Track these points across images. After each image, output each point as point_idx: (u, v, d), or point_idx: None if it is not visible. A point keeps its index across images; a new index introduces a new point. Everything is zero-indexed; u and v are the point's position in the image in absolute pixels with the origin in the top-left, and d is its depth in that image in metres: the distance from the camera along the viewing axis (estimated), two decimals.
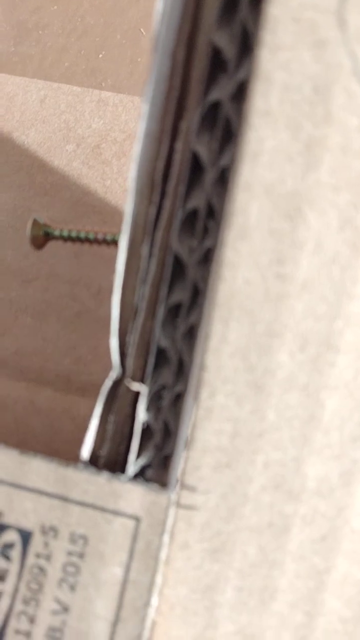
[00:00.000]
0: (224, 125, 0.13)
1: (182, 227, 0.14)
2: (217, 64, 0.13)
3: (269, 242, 0.13)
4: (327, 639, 0.15)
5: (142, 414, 0.15)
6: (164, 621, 0.15)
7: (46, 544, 0.14)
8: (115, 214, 0.27)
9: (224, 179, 0.13)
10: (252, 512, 0.14)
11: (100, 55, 0.32)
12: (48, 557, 0.14)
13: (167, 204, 0.14)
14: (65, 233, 0.20)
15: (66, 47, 0.33)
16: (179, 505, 0.14)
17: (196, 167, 0.13)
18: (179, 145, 0.13)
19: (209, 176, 0.13)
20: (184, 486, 0.14)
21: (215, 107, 0.13)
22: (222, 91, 0.13)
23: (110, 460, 0.16)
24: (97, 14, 0.34)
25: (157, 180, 0.14)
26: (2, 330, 0.25)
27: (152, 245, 0.14)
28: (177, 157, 0.13)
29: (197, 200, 0.13)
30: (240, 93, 0.13)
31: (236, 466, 0.14)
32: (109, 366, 0.15)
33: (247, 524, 0.14)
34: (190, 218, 0.14)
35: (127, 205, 0.14)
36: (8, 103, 0.31)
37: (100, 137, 0.29)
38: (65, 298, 0.26)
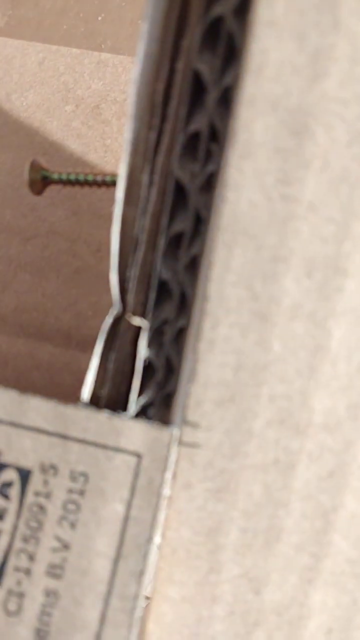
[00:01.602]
0: (227, 42, 0.13)
1: (184, 152, 0.13)
2: None
3: (275, 160, 0.12)
4: (333, 581, 0.15)
5: (143, 350, 0.15)
6: (167, 566, 0.14)
7: (46, 482, 0.14)
8: (115, 173, 0.27)
9: (227, 99, 0.13)
10: (257, 449, 0.14)
11: (100, 18, 0.32)
12: (48, 495, 0.14)
13: (168, 127, 0.13)
14: (64, 176, 0.19)
15: (65, 9, 0.32)
16: (181, 443, 0.14)
17: (198, 88, 0.13)
18: (179, 65, 0.13)
19: (212, 96, 0.13)
20: (186, 423, 0.14)
21: (217, 23, 0.13)
22: (224, 5, 0.12)
23: (111, 401, 0.15)
24: None
25: (157, 104, 0.13)
26: (2, 287, 0.25)
27: (152, 173, 0.14)
28: (178, 78, 0.13)
29: (199, 123, 0.13)
30: (244, 7, 0.12)
31: (240, 401, 0.14)
32: None
33: (252, 462, 0.14)
34: (193, 142, 0.13)
35: (126, 132, 0.13)
36: (6, 66, 0.31)
37: (100, 97, 0.29)
38: (64, 255, 0.25)
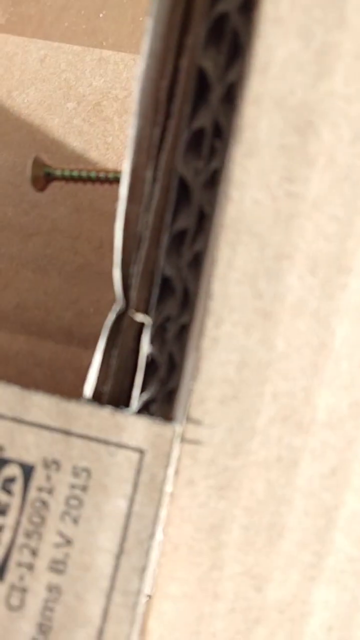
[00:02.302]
0: (231, 39, 0.13)
1: (188, 148, 0.13)
2: None
3: (279, 158, 0.12)
4: (335, 579, 0.15)
5: (146, 347, 0.15)
6: (169, 562, 0.14)
7: (48, 478, 0.14)
8: (118, 170, 0.27)
9: (231, 96, 0.13)
10: (260, 446, 0.14)
11: (101, 15, 0.32)
12: (50, 491, 0.14)
13: (172, 124, 0.13)
14: (66, 173, 0.19)
15: (66, 6, 0.32)
16: (183, 440, 0.14)
17: (202, 85, 0.13)
18: (184, 62, 0.13)
19: (216, 93, 0.13)
20: (189, 420, 0.14)
21: (222, 19, 0.13)
22: (229, 2, 0.12)
23: (113, 397, 0.15)
24: None
25: (161, 101, 0.13)
26: (4, 285, 0.25)
27: (156, 169, 0.14)
28: (182, 75, 0.13)
29: (204, 119, 0.13)
30: (248, 4, 0.12)
31: (243, 398, 0.14)
32: None
33: (255, 459, 0.14)
34: (197, 138, 0.13)
35: (130, 129, 0.13)
36: (7, 62, 0.31)
37: (102, 94, 0.29)
38: (66, 252, 0.25)
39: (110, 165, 0.27)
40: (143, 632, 0.15)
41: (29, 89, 0.30)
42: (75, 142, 0.28)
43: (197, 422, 0.14)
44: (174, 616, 0.15)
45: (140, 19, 0.31)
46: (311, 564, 0.14)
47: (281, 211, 0.13)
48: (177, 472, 0.14)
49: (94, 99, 0.29)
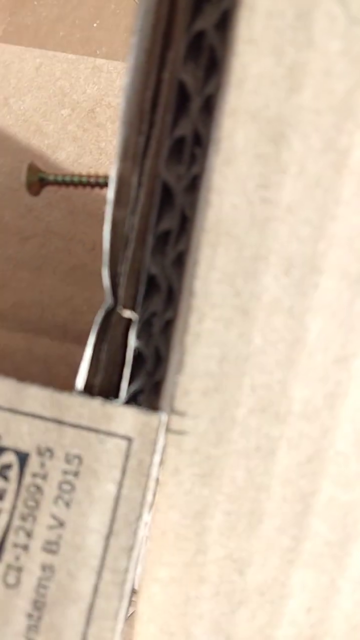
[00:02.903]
0: (209, 54, 0.14)
1: (170, 155, 0.14)
2: None
3: (255, 166, 0.13)
4: (313, 562, 0.15)
5: (133, 341, 0.16)
6: (157, 548, 0.15)
7: (42, 464, 0.15)
8: (108, 175, 0.28)
9: (209, 107, 0.14)
10: (240, 436, 0.15)
11: (95, 25, 0.33)
12: (44, 477, 0.15)
13: (156, 133, 0.14)
14: (59, 178, 0.20)
15: (61, 17, 0.33)
16: (169, 430, 0.15)
17: (183, 96, 0.14)
18: (165, 75, 0.14)
19: (195, 104, 0.14)
20: (173, 411, 0.15)
21: (200, 36, 0.14)
22: (206, 20, 0.13)
23: (103, 389, 0.16)
24: None
25: (145, 111, 0.14)
26: (1, 284, 0.26)
27: (141, 175, 0.15)
28: (164, 87, 0.14)
29: (184, 128, 0.14)
30: (224, 22, 0.13)
31: (224, 390, 0.15)
32: None
33: (235, 448, 0.15)
34: (178, 146, 0.14)
35: (117, 137, 0.14)
36: (4, 71, 0.32)
37: (95, 101, 0.30)
38: (61, 253, 0.26)
39: (103, 169, 0.28)
40: (133, 615, 0.15)
41: (25, 96, 0.31)
42: (70, 147, 0.29)
43: (181, 414, 0.15)
44: (162, 599, 0.15)
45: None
46: (290, 548, 0.15)
47: (257, 215, 0.14)
48: (163, 462, 0.15)
49: (88, 106, 0.30)
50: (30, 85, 0.31)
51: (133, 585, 0.15)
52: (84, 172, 0.20)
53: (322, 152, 0.13)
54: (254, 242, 0.14)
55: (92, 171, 0.27)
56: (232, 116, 0.13)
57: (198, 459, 0.15)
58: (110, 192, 0.15)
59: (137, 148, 0.14)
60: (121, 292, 0.16)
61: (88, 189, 0.20)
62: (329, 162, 0.13)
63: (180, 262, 0.15)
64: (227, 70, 0.13)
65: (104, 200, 0.26)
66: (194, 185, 0.14)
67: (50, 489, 0.15)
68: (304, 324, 0.14)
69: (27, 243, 0.26)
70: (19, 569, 0.14)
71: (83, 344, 0.23)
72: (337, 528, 0.15)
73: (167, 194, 0.15)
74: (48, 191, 0.24)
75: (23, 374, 0.24)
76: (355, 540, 0.15)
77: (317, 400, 0.15)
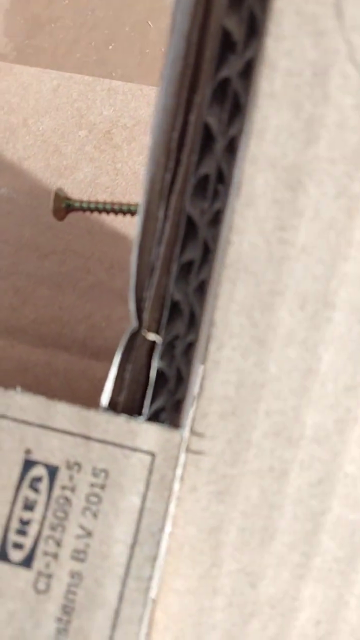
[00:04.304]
0: (233, 99, 0.15)
1: (195, 192, 0.15)
2: (227, 45, 0.15)
3: (273, 210, 0.14)
4: (322, 578, 0.16)
5: (156, 362, 0.16)
6: (174, 560, 0.16)
7: (71, 478, 0.16)
8: (126, 194, 0.29)
9: (232, 147, 0.15)
10: (255, 457, 0.15)
11: (110, 47, 0.34)
12: (73, 489, 0.16)
13: (181, 170, 0.15)
14: (84, 205, 0.21)
15: (77, 39, 0.34)
16: (188, 450, 0.15)
17: (208, 137, 0.15)
18: (192, 117, 0.15)
19: (219, 145, 0.15)
20: (193, 433, 0.15)
21: (225, 83, 0.15)
22: (231, 69, 0.14)
23: (127, 406, 0.17)
24: (106, 8, 0.35)
25: (172, 149, 0.15)
26: (22, 301, 0.27)
27: (167, 209, 0.16)
28: (191, 128, 0.15)
29: (208, 167, 0.15)
30: (248, 70, 0.14)
31: (240, 414, 0.15)
32: (121, 333, 0.17)
33: (250, 469, 0.15)
34: (202, 183, 0.15)
35: (145, 173, 0.15)
36: (23, 92, 0.33)
37: (111, 123, 0.31)
38: (80, 271, 0.27)
39: (119, 190, 0.29)
40: (151, 623, 0.16)
41: (44, 117, 0.32)
42: (87, 168, 0.30)
43: (200, 435, 0.15)
44: (178, 609, 0.16)
45: (147, 50, 0.34)
46: (300, 564, 0.15)
47: (274, 254, 0.14)
48: (182, 479, 0.15)
49: (104, 127, 0.31)
50: (48, 106, 0.32)
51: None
52: (107, 199, 0.21)
53: (335, 198, 0.14)
54: (271, 279, 0.15)
55: (109, 192, 0.29)
56: (253, 163, 0.14)
57: (215, 477, 0.15)
58: (137, 224, 0.16)
59: (163, 184, 0.15)
60: (146, 315, 0.17)
61: (111, 215, 0.21)
62: (341, 207, 0.14)
63: (202, 289, 0.16)
64: (249, 121, 0.14)
65: (122, 221, 0.27)
66: (217, 219, 0.15)
67: (78, 500, 0.16)
68: (317, 354, 0.15)
69: (46, 260, 0.27)
70: (49, 576, 0.15)
71: (102, 359, 0.24)
72: (345, 545, 0.16)
73: (191, 227, 0.16)
74: None
75: (44, 388, 0.25)
76: None
77: (328, 426, 0.15)
